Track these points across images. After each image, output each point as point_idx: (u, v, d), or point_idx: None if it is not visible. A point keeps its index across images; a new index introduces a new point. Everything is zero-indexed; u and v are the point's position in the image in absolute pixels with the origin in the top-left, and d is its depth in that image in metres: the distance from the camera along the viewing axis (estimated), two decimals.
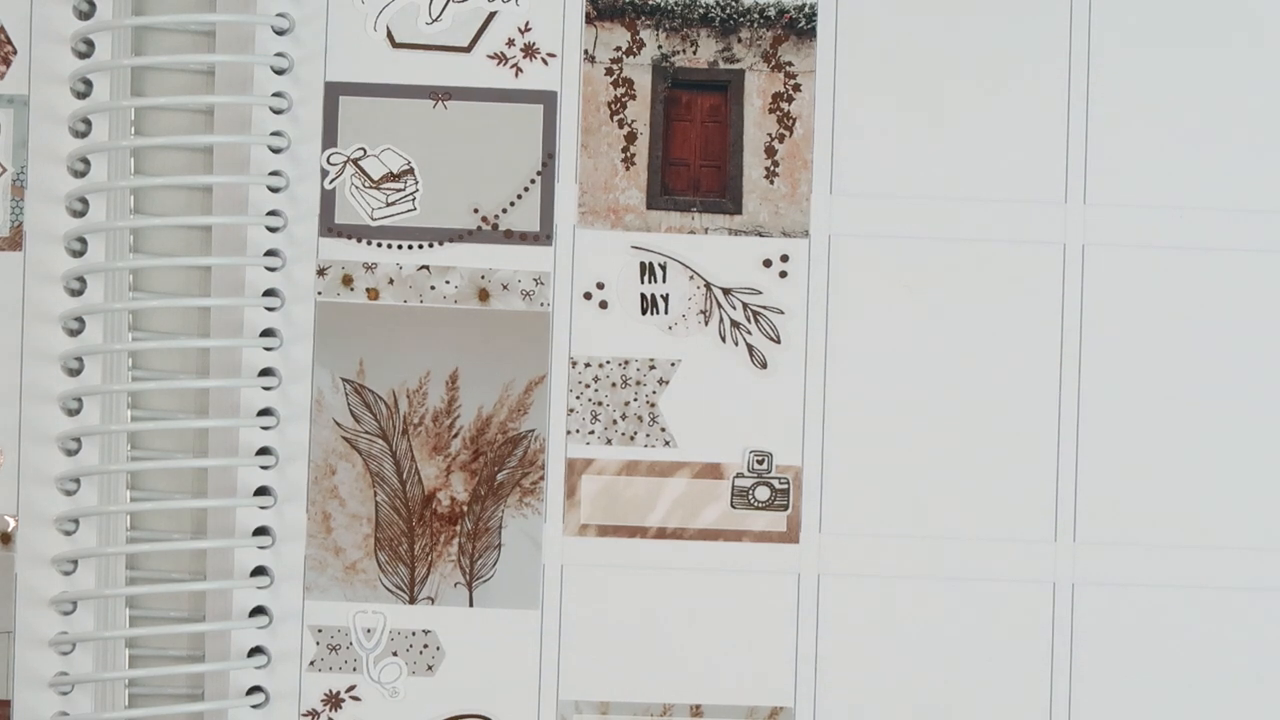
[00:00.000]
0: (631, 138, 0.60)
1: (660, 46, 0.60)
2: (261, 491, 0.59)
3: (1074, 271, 0.60)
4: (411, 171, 0.59)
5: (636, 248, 0.60)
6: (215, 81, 0.59)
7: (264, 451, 0.59)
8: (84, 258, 0.59)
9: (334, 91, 0.59)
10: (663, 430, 0.60)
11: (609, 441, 0.60)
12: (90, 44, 0.59)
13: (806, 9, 0.60)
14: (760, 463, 0.60)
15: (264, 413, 0.59)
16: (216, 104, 0.59)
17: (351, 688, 0.59)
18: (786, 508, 0.60)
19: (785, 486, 0.60)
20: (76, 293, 0.59)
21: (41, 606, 0.58)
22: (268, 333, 0.59)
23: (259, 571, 0.59)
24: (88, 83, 0.59)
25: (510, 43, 0.60)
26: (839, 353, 0.60)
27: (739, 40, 0.60)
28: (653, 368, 0.60)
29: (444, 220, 0.60)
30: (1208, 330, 0.60)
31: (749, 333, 0.60)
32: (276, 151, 0.59)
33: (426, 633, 0.60)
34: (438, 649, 0.60)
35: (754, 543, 0.60)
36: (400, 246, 0.60)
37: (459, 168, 0.59)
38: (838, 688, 0.60)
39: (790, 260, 0.60)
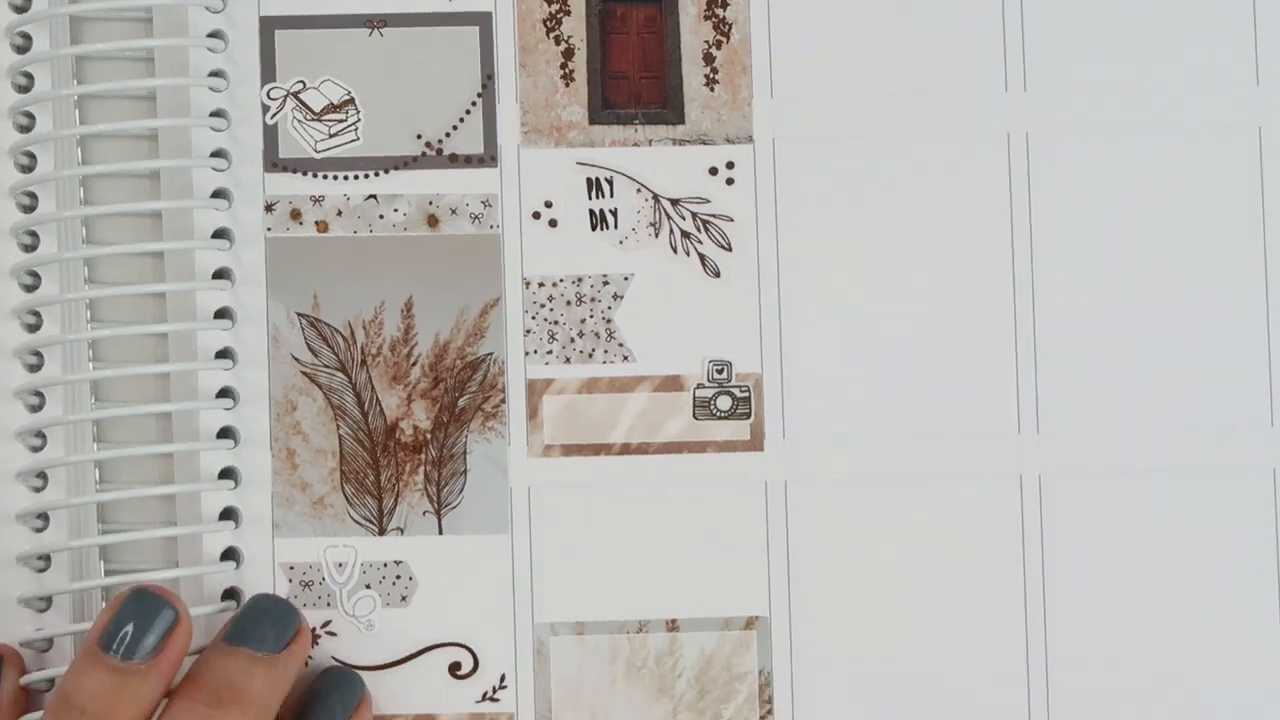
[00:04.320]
0: (569, 54, 0.60)
1: None
2: (225, 434, 0.59)
3: (1019, 159, 0.60)
4: (352, 102, 0.59)
5: (581, 164, 0.60)
6: (153, 27, 0.59)
7: (224, 394, 0.59)
8: (35, 213, 0.59)
9: (269, 26, 0.59)
10: (620, 345, 0.60)
11: (567, 360, 0.60)
12: None
13: None
14: (720, 372, 0.60)
15: (222, 355, 0.59)
16: (156, 47, 0.59)
17: (327, 623, 0.59)
18: (749, 416, 0.60)
19: (746, 394, 0.60)
20: (30, 248, 0.59)
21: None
22: (221, 274, 0.59)
23: (227, 515, 0.59)
24: (26, 36, 0.59)
25: None
26: (791, 257, 0.60)
27: None
28: (606, 283, 0.60)
29: (388, 149, 0.60)
30: (1160, 212, 0.60)
31: (700, 242, 0.60)
32: (217, 92, 0.59)
33: (398, 563, 0.59)
34: (410, 579, 0.59)
35: (719, 453, 0.60)
36: (346, 177, 0.60)
37: (399, 95, 0.59)
38: (812, 592, 0.59)
39: (736, 167, 0.60)
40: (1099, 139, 0.60)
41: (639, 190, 0.60)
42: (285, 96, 0.59)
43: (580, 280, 0.60)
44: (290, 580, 0.59)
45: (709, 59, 0.60)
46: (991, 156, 0.60)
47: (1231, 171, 0.60)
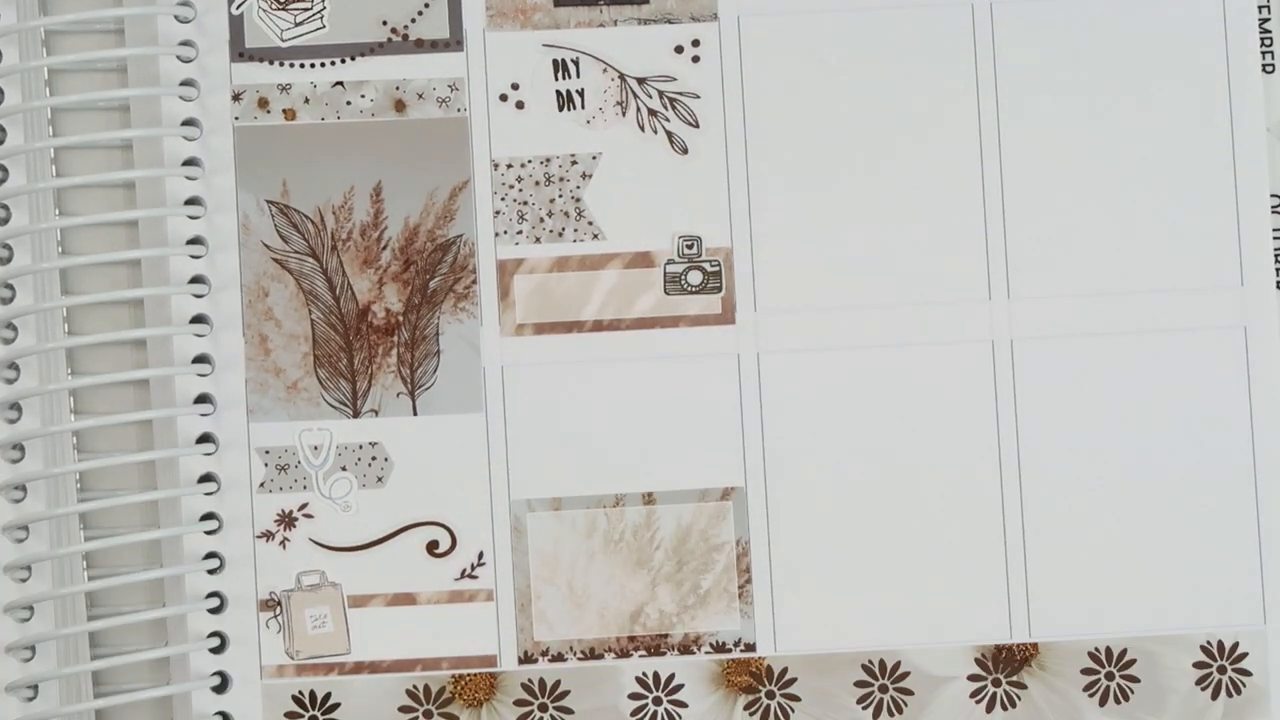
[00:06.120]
0: None
1: None
2: (198, 320, 0.59)
3: (984, 28, 0.60)
4: None
5: (548, 45, 0.60)
6: None
7: (197, 280, 0.60)
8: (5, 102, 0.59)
9: None
10: (590, 224, 0.60)
11: (538, 240, 0.60)
12: None
13: None
14: (690, 247, 0.60)
15: (193, 241, 0.60)
16: None
17: (304, 506, 0.59)
18: (720, 290, 0.60)
19: (717, 269, 0.60)
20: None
21: None
22: (190, 162, 0.60)
23: (202, 399, 0.59)
24: None
25: None
26: (758, 131, 0.60)
27: None
28: (574, 163, 0.60)
29: (354, 35, 0.60)
30: (1124, 82, 0.60)
31: (667, 120, 0.60)
32: None
33: (373, 445, 0.60)
34: (386, 460, 0.60)
35: (690, 327, 0.60)
36: (313, 65, 0.60)
37: None
38: (787, 462, 0.59)
39: (701, 45, 0.60)
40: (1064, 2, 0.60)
41: (605, 70, 0.60)
42: None
43: (548, 160, 0.60)
44: (266, 464, 0.59)
45: None
46: (958, 25, 0.60)
47: (1191, 72, 0.60)
